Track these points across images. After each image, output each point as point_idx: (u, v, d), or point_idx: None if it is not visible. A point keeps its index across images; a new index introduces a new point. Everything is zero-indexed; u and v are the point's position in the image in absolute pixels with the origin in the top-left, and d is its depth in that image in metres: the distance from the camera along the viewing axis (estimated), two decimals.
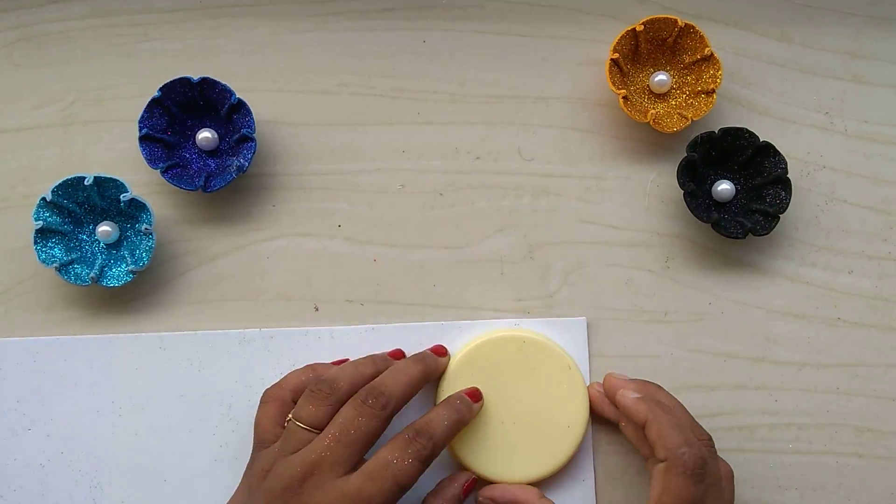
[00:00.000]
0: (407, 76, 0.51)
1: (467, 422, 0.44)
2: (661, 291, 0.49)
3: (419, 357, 0.45)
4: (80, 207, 0.47)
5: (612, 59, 0.49)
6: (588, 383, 0.47)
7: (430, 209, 0.50)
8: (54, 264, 0.46)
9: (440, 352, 0.46)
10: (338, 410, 0.41)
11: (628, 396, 0.43)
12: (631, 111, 0.48)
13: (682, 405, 0.44)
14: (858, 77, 0.51)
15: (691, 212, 0.47)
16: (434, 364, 0.45)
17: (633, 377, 0.47)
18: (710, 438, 0.43)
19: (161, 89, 0.47)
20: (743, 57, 0.51)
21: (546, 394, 0.46)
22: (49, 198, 0.46)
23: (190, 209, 0.49)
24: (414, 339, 0.47)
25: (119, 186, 0.46)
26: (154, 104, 0.47)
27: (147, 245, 0.47)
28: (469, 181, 0.50)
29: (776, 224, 0.47)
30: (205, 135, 0.48)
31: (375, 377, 0.42)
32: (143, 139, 0.47)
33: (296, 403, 0.42)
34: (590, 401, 0.46)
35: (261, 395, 0.44)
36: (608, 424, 0.48)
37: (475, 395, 0.45)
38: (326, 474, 0.38)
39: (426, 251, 0.49)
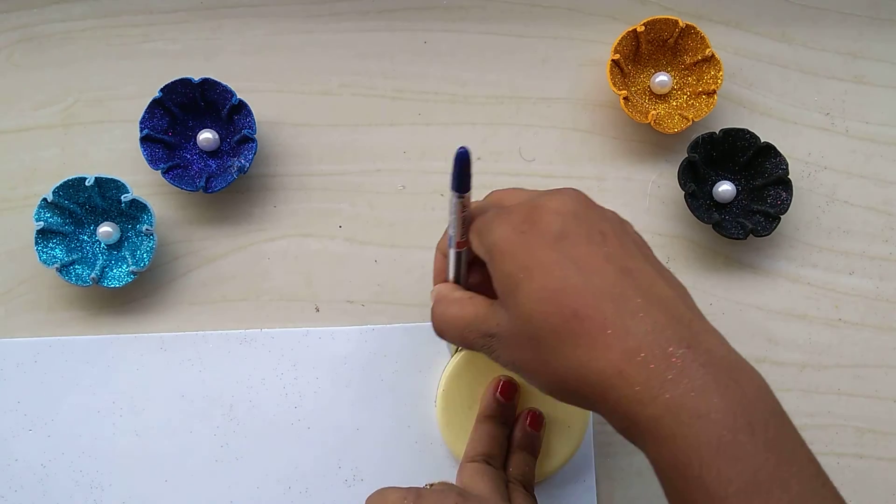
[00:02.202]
0: (408, 77, 0.51)
1: None
2: None
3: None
4: (81, 208, 0.47)
5: (612, 60, 0.49)
6: None
7: (431, 210, 0.50)
8: (55, 265, 0.46)
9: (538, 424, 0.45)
10: None
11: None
12: (632, 112, 0.48)
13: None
14: (860, 78, 0.51)
15: (692, 212, 0.47)
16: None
17: None
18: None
19: (162, 90, 0.47)
20: (744, 57, 0.51)
21: (546, 394, 0.46)
22: (50, 198, 0.46)
23: (191, 210, 0.49)
24: (414, 340, 0.47)
25: (120, 187, 0.46)
26: (155, 105, 0.47)
27: (148, 246, 0.47)
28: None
29: (777, 225, 0.47)
30: (206, 135, 0.48)
31: None
32: (144, 140, 0.47)
33: None
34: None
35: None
36: (609, 425, 0.48)
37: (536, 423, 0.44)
38: None
39: (427, 252, 0.49)
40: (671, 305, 0.31)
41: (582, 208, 0.33)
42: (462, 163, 0.33)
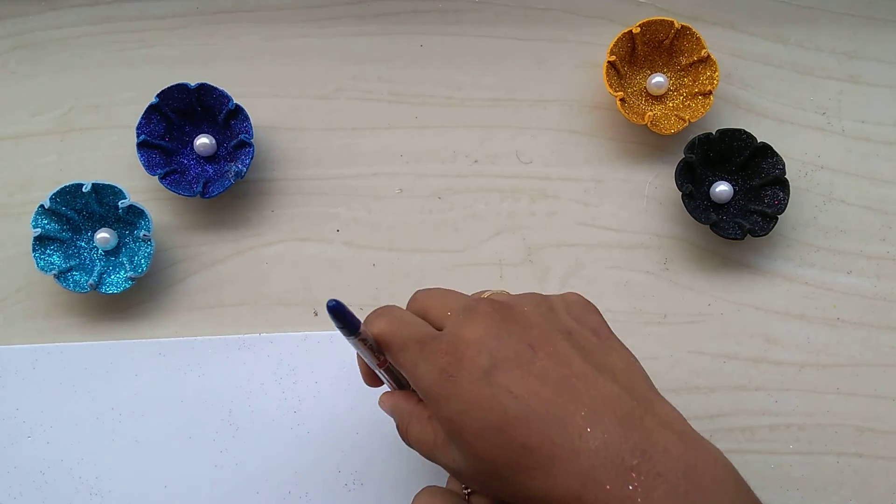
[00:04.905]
0: (404, 80, 0.51)
1: None
2: (659, 293, 0.49)
3: None
4: (78, 214, 0.47)
5: (609, 62, 0.49)
6: None
7: (429, 213, 0.50)
8: (53, 271, 0.46)
9: None
10: None
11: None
12: (628, 113, 0.48)
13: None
14: (855, 77, 0.51)
15: (689, 213, 0.47)
16: None
17: None
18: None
19: (158, 95, 0.47)
20: (740, 58, 0.51)
21: None
22: (47, 205, 0.46)
23: (188, 215, 0.49)
24: None
25: (117, 193, 0.46)
26: (151, 110, 0.47)
27: (146, 251, 0.47)
28: (467, 185, 0.50)
29: (774, 225, 0.47)
30: (202, 141, 0.48)
31: None
32: (140, 145, 0.47)
33: None
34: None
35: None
36: None
37: None
38: None
39: (425, 255, 0.49)
40: (617, 404, 0.30)
41: (502, 327, 0.33)
42: (337, 314, 0.32)
